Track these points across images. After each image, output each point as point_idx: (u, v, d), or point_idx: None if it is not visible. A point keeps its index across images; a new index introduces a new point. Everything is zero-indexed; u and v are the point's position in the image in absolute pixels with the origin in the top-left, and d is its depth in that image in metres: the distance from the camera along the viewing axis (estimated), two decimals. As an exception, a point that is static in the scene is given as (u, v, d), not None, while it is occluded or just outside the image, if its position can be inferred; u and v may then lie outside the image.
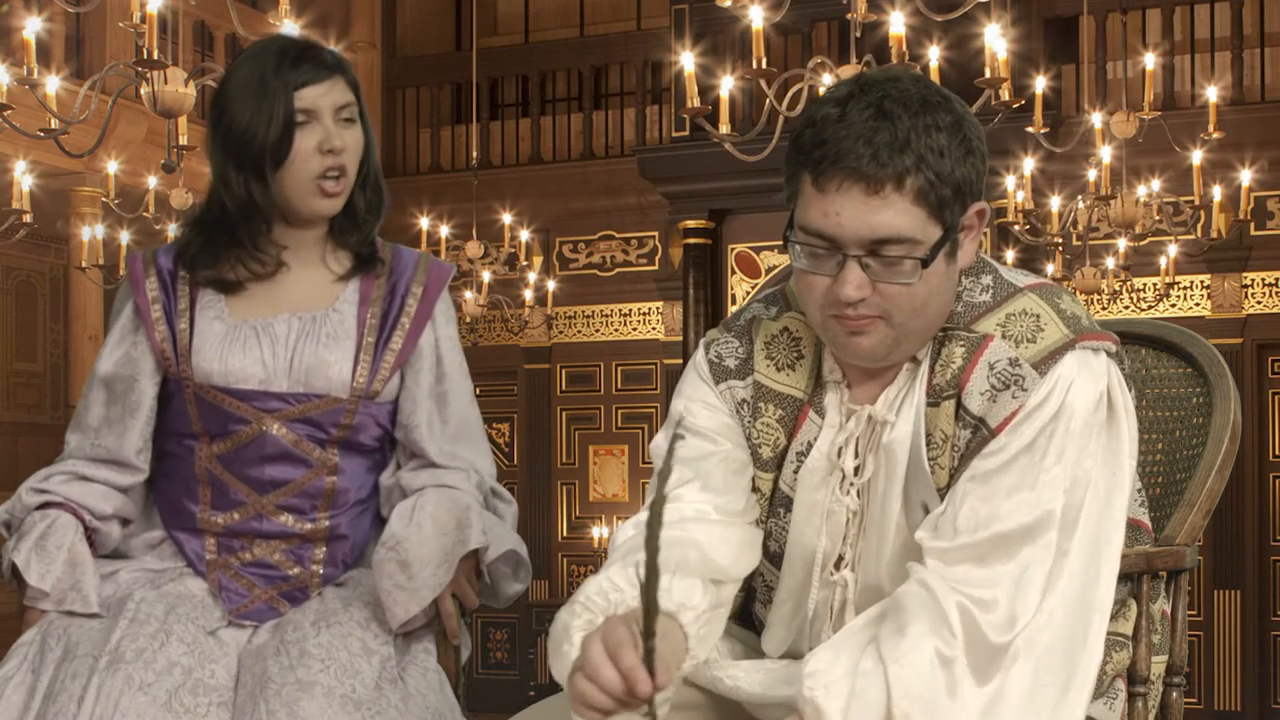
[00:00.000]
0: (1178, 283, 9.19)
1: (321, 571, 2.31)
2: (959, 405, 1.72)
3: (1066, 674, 1.67)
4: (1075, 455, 1.69)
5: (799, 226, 1.70)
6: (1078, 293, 8.60)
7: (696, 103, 5.22)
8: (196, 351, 2.25)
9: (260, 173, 2.21)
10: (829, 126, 1.67)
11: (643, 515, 1.78)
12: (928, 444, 1.74)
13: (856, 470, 1.80)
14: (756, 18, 4.82)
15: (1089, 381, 1.71)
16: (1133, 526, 1.86)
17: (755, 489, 1.86)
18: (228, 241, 2.26)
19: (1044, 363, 1.70)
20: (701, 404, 1.86)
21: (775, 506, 1.86)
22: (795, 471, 1.83)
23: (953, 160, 1.67)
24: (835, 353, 1.79)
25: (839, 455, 1.80)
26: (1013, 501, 1.67)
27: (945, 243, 1.68)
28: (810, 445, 1.81)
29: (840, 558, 1.82)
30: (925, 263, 1.66)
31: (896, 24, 4.82)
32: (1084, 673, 1.68)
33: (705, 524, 1.80)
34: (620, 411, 10.99)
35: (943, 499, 1.73)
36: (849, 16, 4.81)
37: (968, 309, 1.76)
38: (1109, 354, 1.76)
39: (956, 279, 1.75)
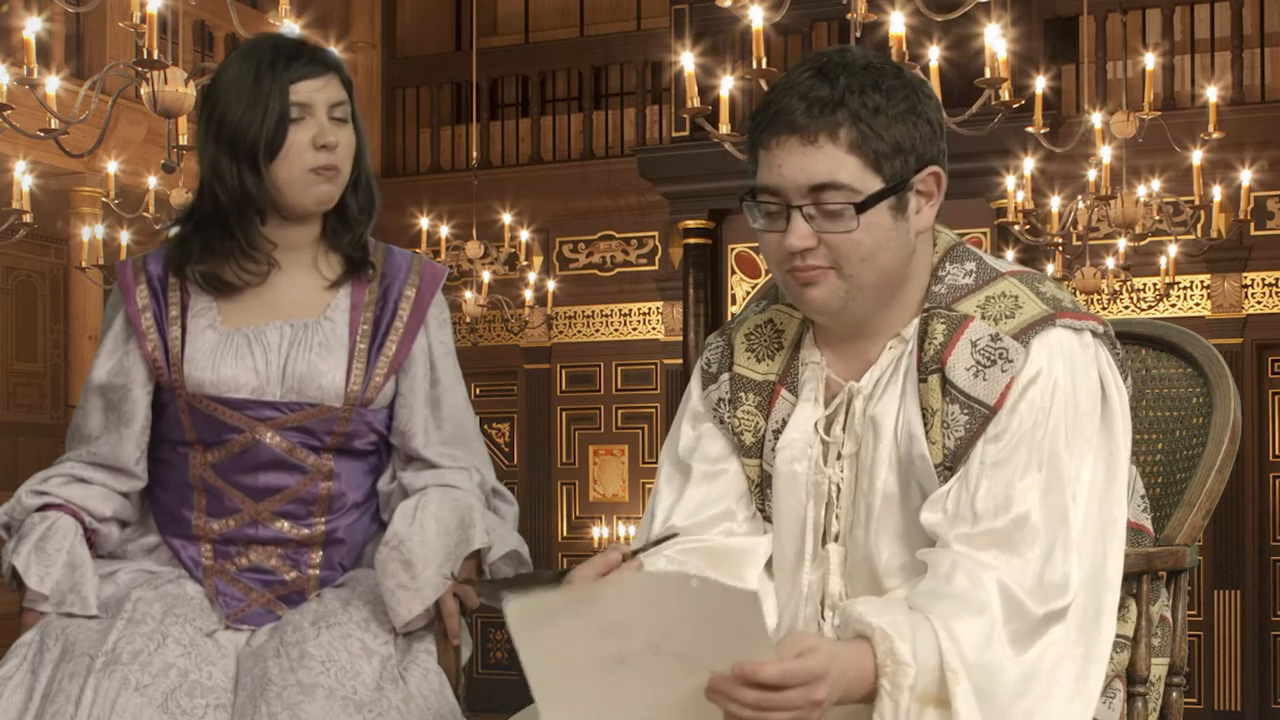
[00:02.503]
0: (1178, 283, 9.19)
1: (318, 575, 2.30)
2: (944, 380, 1.76)
3: (1084, 649, 1.70)
4: (1076, 433, 1.73)
5: (755, 189, 1.79)
6: (1077, 292, 8.60)
7: (696, 103, 5.22)
8: (189, 361, 2.23)
9: (254, 164, 2.20)
10: (774, 92, 1.77)
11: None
12: (921, 419, 1.78)
13: (843, 444, 1.85)
14: (756, 18, 4.82)
15: (1076, 359, 1.76)
16: (1134, 530, 1.87)
17: (747, 478, 1.91)
18: (221, 234, 2.24)
19: (1023, 334, 1.75)
20: (690, 426, 1.96)
21: (763, 489, 1.90)
22: (773, 449, 1.87)
23: (889, 117, 1.74)
24: (796, 306, 1.86)
25: (825, 430, 1.85)
26: (1027, 481, 1.71)
27: (888, 196, 1.75)
28: (784, 422, 1.87)
29: (826, 532, 1.86)
30: (860, 208, 1.73)
31: (896, 24, 4.82)
32: (1100, 648, 1.72)
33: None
34: (620, 411, 10.99)
35: (939, 474, 1.76)
36: (849, 16, 4.81)
37: (950, 291, 1.81)
38: (1096, 334, 1.80)
39: (910, 239, 1.79)
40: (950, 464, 1.76)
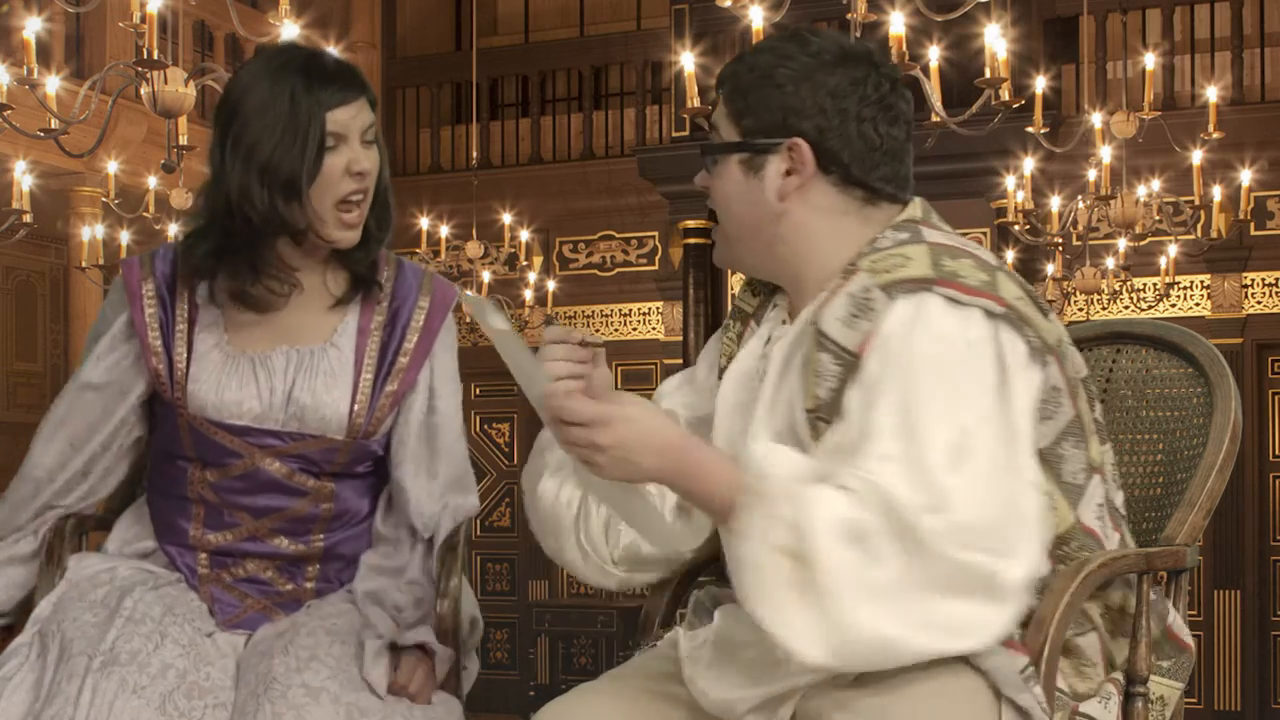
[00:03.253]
0: (1178, 283, 9.18)
1: (314, 587, 2.29)
2: (817, 330, 1.82)
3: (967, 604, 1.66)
4: (944, 392, 1.71)
5: None
6: (1077, 292, 8.59)
7: (696, 103, 5.21)
8: (193, 379, 2.21)
9: (291, 193, 2.14)
10: None
11: None
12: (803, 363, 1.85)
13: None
14: (756, 18, 4.82)
15: (947, 324, 1.74)
16: (1085, 533, 1.85)
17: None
18: (252, 256, 2.19)
19: (891, 287, 1.77)
20: (709, 346, 2.13)
21: None
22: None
23: (760, 79, 1.88)
24: None
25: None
26: (889, 420, 1.71)
27: (735, 150, 1.90)
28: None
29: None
30: (704, 149, 1.94)
31: (896, 24, 4.81)
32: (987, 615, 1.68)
33: None
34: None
35: (810, 421, 1.80)
36: (849, 16, 4.81)
37: (871, 251, 1.85)
38: (993, 314, 1.77)
39: (767, 201, 1.89)
40: (825, 414, 1.79)
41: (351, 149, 2.17)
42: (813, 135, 1.86)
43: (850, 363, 1.77)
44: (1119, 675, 1.89)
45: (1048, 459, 1.81)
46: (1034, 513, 1.71)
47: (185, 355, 2.22)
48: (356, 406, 2.23)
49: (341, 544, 2.30)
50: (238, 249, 2.19)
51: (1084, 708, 1.82)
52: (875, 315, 1.76)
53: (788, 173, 1.88)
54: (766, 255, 1.94)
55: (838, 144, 1.86)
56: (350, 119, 2.16)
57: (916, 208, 1.91)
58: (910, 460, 1.67)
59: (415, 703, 2.14)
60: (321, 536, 2.28)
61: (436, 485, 2.30)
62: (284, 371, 2.21)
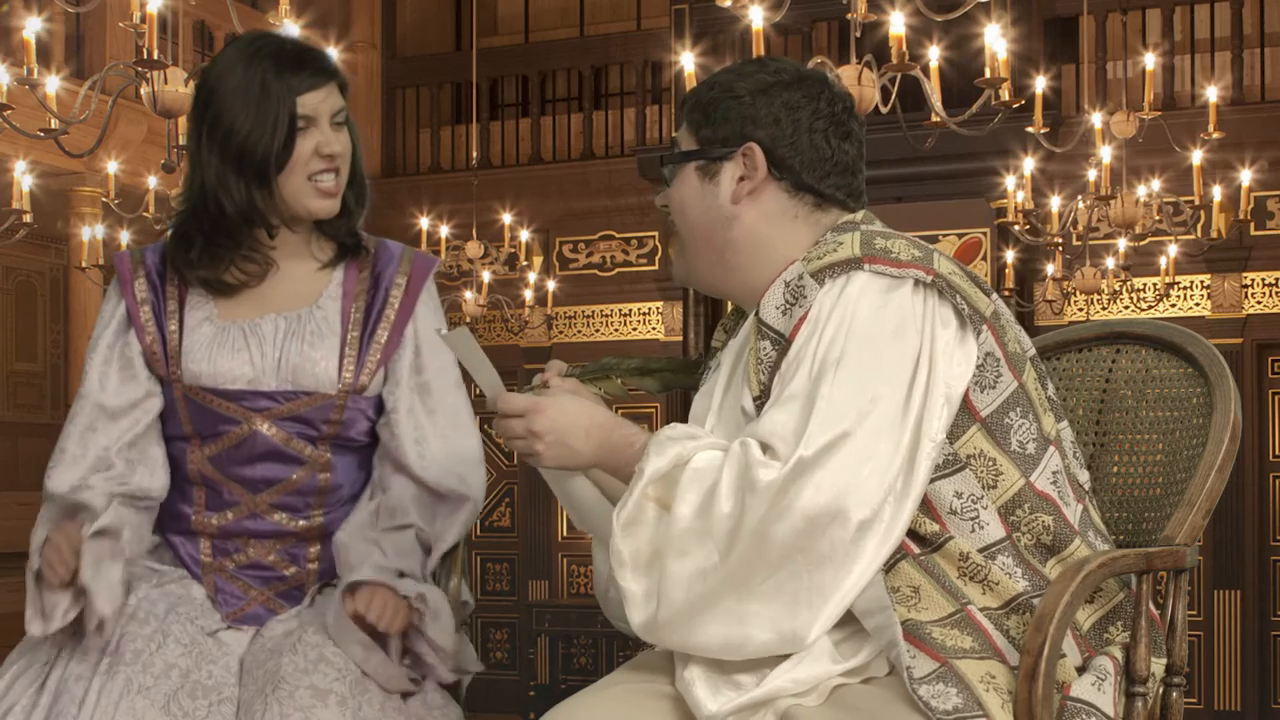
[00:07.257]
0: (1178, 283, 9.18)
1: (317, 569, 2.31)
2: (758, 319, 1.90)
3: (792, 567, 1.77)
4: (867, 364, 1.78)
5: None
6: (1077, 292, 8.59)
7: (696, 103, 5.20)
8: (186, 353, 2.25)
9: (264, 178, 2.21)
10: None
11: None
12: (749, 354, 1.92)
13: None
14: (756, 18, 4.82)
15: (868, 294, 1.82)
16: (1038, 498, 1.87)
17: None
18: (228, 242, 2.26)
19: (821, 273, 1.85)
20: None
21: None
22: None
23: (715, 94, 1.98)
24: None
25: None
26: (795, 386, 1.81)
27: (694, 158, 1.98)
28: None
29: None
30: (664, 159, 2.02)
31: (896, 24, 4.81)
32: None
33: None
34: (620, 411, 10.98)
35: (756, 404, 1.88)
36: (849, 16, 4.80)
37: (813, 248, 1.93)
38: (924, 284, 1.83)
39: (722, 207, 1.98)
40: (765, 397, 1.87)
41: (321, 131, 2.23)
42: (766, 142, 1.95)
43: (783, 347, 1.85)
44: (1117, 653, 1.89)
45: (992, 427, 1.86)
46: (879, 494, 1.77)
47: (178, 331, 2.27)
48: (345, 360, 2.28)
49: (340, 521, 2.31)
50: (213, 237, 2.25)
51: (1076, 690, 1.81)
52: (806, 301, 1.85)
53: (741, 178, 1.97)
54: (720, 264, 2.01)
55: (789, 151, 1.95)
56: (320, 102, 2.23)
57: (861, 215, 1.99)
58: (799, 422, 1.76)
59: (380, 630, 2.15)
60: (321, 512, 2.30)
61: (436, 431, 2.32)
62: (274, 337, 2.26)
